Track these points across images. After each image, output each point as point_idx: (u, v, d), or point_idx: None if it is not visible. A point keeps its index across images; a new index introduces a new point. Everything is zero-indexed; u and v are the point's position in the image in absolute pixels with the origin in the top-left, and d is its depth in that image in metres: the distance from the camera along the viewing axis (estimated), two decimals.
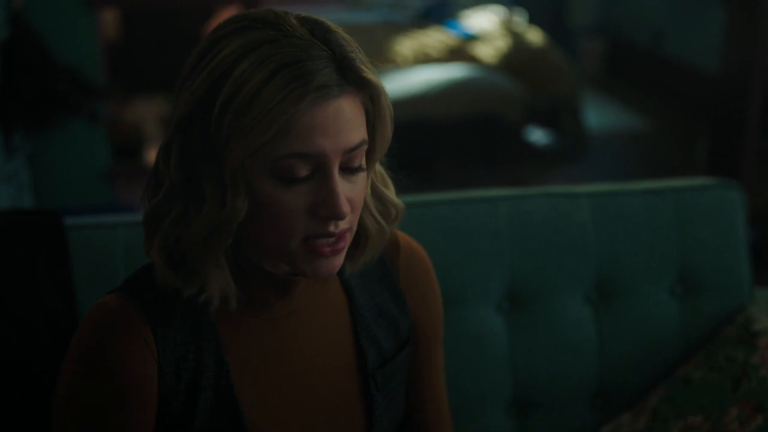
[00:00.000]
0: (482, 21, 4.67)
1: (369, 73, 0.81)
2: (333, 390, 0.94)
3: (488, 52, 4.34)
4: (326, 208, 0.80)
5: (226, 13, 4.60)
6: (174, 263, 0.83)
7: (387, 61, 4.19)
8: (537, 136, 4.42)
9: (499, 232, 1.31)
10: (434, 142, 3.75)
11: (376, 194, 0.91)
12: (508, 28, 4.59)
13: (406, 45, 4.33)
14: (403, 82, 3.82)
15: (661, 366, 1.35)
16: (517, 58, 4.28)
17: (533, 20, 5.44)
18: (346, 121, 0.80)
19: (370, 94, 0.82)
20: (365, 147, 0.83)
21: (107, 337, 0.84)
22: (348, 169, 0.82)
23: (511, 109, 3.88)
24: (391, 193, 0.93)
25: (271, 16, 0.81)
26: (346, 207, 0.80)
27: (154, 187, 0.85)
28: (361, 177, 0.83)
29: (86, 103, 2.80)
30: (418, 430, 1.05)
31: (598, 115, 4.99)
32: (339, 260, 0.84)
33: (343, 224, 0.82)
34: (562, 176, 4.04)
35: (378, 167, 0.92)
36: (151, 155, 3.85)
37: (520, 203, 1.33)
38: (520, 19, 4.96)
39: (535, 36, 4.53)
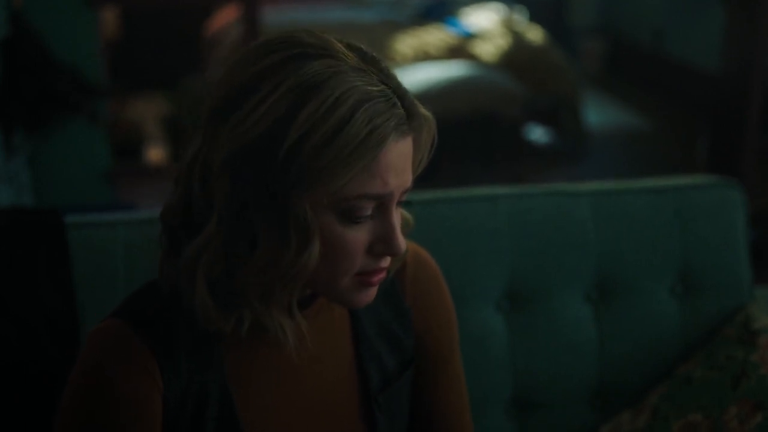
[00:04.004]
0: (482, 19, 4.66)
1: (422, 107, 0.81)
2: (336, 412, 0.92)
3: (488, 50, 4.33)
4: (385, 245, 0.79)
5: (225, 12, 4.60)
6: (218, 300, 0.79)
7: (387, 60, 4.18)
8: (537, 134, 4.42)
9: (498, 230, 1.31)
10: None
11: None
12: (509, 26, 4.59)
13: (406, 43, 4.33)
14: (403, 81, 3.81)
15: (661, 365, 1.35)
16: (518, 57, 4.28)
17: (533, 18, 5.44)
18: (408, 158, 0.79)
19: (420, 127, 0.81)
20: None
21: (110, 367, 0.80)
22: (398, 203, 0.81)
23: (511, 108, 3.88)
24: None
25: (321, 42, 0.77)
26: (404, 244, 0.80)
27: (182, 218, 0.81)
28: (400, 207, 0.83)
29: (86, 102, 2.80)
30: None
31: (598, 114, 4.99)
32: (376, 288, 0.84)
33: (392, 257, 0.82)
34: (562, 175, 4.04)
35: None
36: (151, 154, 3.85)
37: (520, 201, 1.33)
38: (520, 18, 4.96)
39: (535, 34, 4.53)
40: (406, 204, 0.84)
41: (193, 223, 0.80)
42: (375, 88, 0.75)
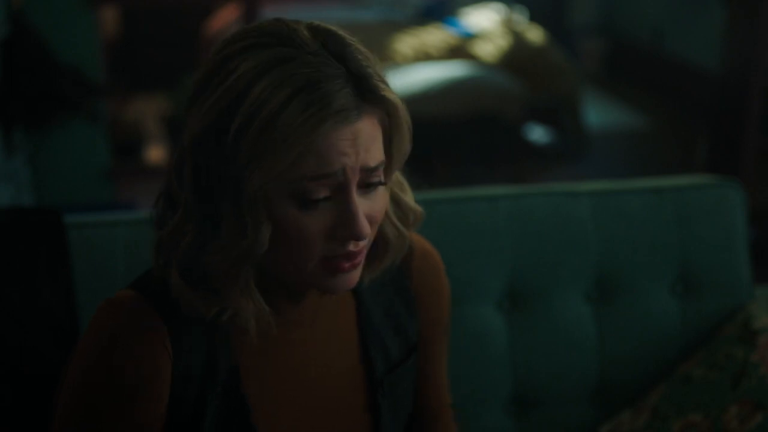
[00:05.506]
0: (482, 19, 4.66)
1: (387, 90, 0.80)
2: (340, 396, 0.94)
3: (488, 50, 4.33)
4: (346, 229, 0.79)
5: (225, 12, 4.60)
6: (194, 285, 0.81)
7: (386, 60, 4.19)
8: (537, 134, 4.42)
9: (499, 230, 1.31)
10: (434, 140, 3.75)
11: (394, 200, 0.90)
12: (509, 26, 4.59)
13: (406, 43, 4.33)
14: (402, 81, 3.82)
15: (661, 364, 1.35)
16: (518, 57, 4.28)
17: (533, 18, 5.44)
18: (364, 141, 0.78)
19: (387, 110, 0.81)
20: (383, 166, 0.81)
21: (124, 335, 0.81)
22: (367, 186, 0.80)
23: (511, 108, 3.88)
24: (409, 197, 0.92)
25: (282, 30, 0.79)
26: (366, 228, 0.79)
27: (166, 205, 0.84)
28: (380, 192, 0.82)
29: (86, 101, 2.80)
30: (422, 421, 1.06)
31: (598, 114, 4.98)
32: (357, 273, 0.84)
33: (361, 242, 0.82)
34: (562, 175, 4.04)
35: (396, 172, 0.90)
36: (152, 153, 3.86)
37: (520, 201, 1.33)
38: (520, 18, 4.96)
39: (535, 34, 4.53)
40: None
41: (173, 210, 0.83)
42: (324, 73, 0.76)
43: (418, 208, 0.92)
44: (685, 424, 1.20)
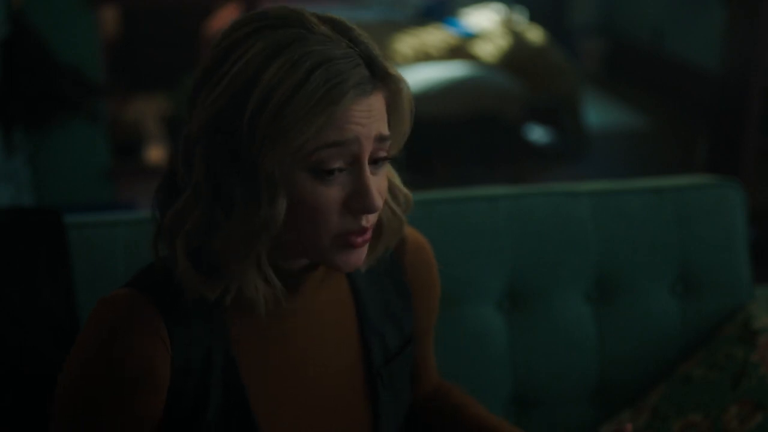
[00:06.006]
0: (482, 19, 4.67)
1: (393, 69, 0.83)
2: (339, 387, 0.95)
3: (488, 50, 4.33)
4: (359, 201, 0.81)
5: (225, 11, 4.60)
6: (200, 268, 0.82)
7: (386, 60, 4.18)
8: (537, 134, 4.42)
9: (499, 230, 1.31)
10: (434, 140, 3.75)
11: (387, 183, 0.92)
12: (509, 26, 4.59)
13: (406, 43, 4.33)
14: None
15: (661, 364, 1.35)
16: (518, 57, 4.28)
17: (533, 18, 5.44)
18: (376, 113, 0.81)
19: (392, 88, 0.84)
20: (389, 141, 0.84)
21: (122, 329, 0.82)
22: (375, 162, 0.83)
23: (511, 108, 3.88)
24: (397, 181, 0.94)
25: (292, 15, 0.81)
26: (378, 200, 0.82)
27: (168, 191, 0.85)
28: (384, 168, 0.85)
29: (86, 101, 2.80)
30: (423, 405, 1.10)
31: (598, 114, 4.98)
32: (365, 252, 0.86)
33: (372, 217, 0.84)
34: (562, 175, 4.04)
35: None
36: (152, 153, 3.85)
37: (520, 201, 1.33)
38: (520, 18, 4.96)
39: (535, 34, 4.53)
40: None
41: (177, 196, 0.83)
42: (338, 52, 0.79)
43: (407, 190, 0.95)
44: (685, 424, 1.20)
